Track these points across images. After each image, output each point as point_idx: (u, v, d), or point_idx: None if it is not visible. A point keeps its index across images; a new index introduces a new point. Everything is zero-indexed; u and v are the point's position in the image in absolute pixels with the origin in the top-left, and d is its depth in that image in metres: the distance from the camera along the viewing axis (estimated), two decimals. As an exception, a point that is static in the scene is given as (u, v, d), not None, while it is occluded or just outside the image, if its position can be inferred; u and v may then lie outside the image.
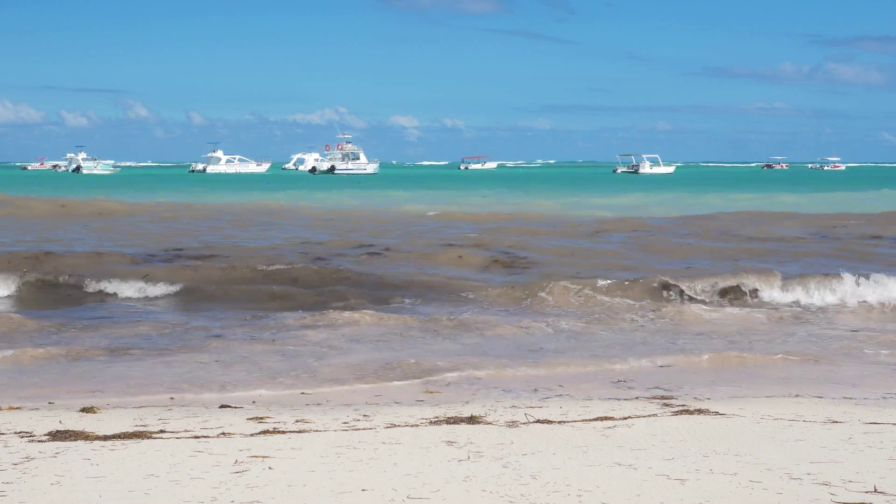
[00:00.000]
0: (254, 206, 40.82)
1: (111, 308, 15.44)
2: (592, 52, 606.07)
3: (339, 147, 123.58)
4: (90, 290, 16.64)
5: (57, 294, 16.58)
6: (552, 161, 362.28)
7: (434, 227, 30.60)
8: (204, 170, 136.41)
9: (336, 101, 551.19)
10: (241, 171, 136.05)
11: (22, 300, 16.29)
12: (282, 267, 18.71)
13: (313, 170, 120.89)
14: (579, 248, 23.95)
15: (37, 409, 8.59)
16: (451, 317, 14.32)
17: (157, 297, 16.34)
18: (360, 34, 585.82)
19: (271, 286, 17.15)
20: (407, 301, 16.06)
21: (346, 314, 14.24)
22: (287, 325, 13.70)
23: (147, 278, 17.07)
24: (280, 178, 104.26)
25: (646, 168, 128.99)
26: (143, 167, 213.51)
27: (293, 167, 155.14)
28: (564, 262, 20.77)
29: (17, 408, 8.61)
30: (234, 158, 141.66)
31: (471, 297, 16.46)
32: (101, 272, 17.51)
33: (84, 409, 8.34)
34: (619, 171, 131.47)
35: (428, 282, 17.69)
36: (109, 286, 16.66)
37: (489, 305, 15.90)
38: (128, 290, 16.54)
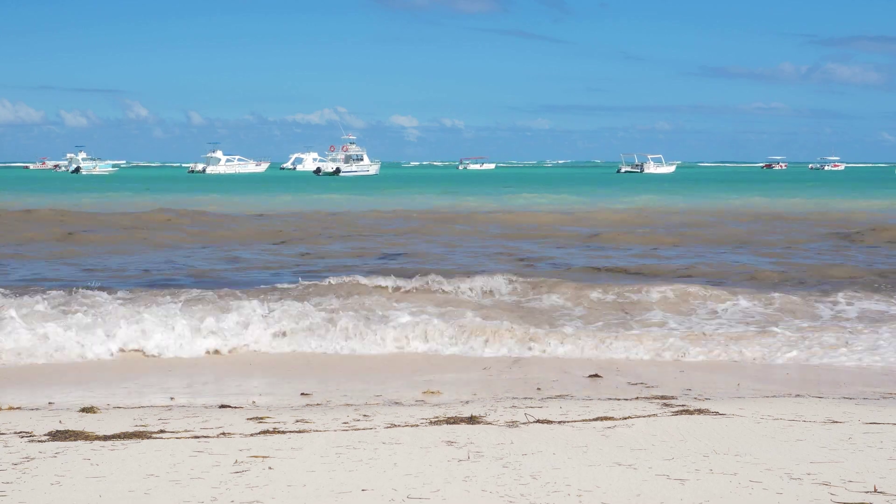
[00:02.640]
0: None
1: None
2: (589, 53, 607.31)
3: (344, 148, 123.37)
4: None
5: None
6: (561, 161, 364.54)
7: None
8: (203, 170, 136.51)
9: (335, 101, 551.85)
10: (240, 170, 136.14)
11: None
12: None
13: (318, 171, 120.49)
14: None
15: (37, 409, 8.59)
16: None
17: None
18: (359, 34, 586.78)
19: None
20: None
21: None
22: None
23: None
24: (290, 178, 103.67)
25: (650, 167, 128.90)
26: (153, 167, 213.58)
27: (291, 167, 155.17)
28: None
29: (17, 408, 8.61)
30: (234, 158, 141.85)
31: None
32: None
33: (84, 409, 8.34)
34: (623, 170, 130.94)
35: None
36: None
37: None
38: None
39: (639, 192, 63.74)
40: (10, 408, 8.57)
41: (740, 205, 47.17)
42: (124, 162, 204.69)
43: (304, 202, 49.47)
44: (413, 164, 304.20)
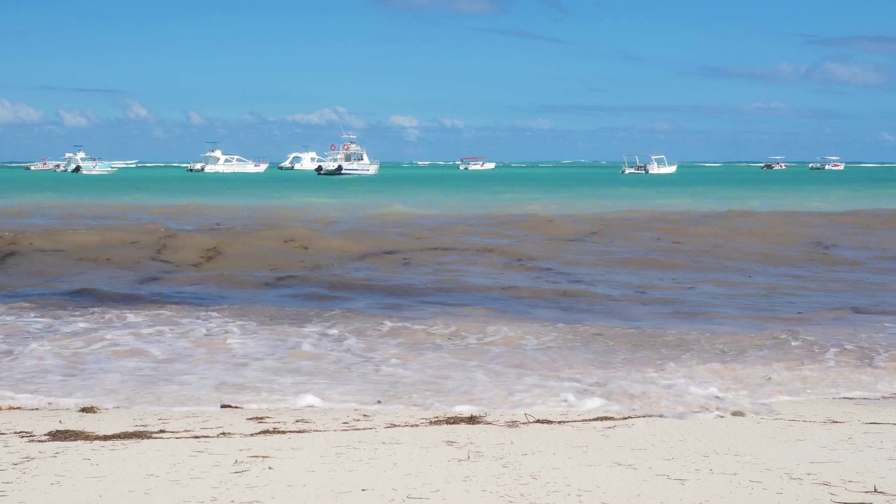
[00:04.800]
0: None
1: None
2: (588, 53, 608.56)
3: (345, 147, 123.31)
4: None
5: None
6: (568, 161, 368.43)
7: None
8: (202, 169, 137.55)
9: (335, 101, 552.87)
10: (239, 170, 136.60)
11: None
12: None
13: (319, 169, 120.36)
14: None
15: (37, 408, 8.58)
16: None
17: None
18: (359, 34, 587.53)
19: None
20: None
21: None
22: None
23: None
24: (296, 178, 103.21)
25: (653, 168, 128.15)
26: (161, 167, 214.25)
27: (289, 166, 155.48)
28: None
29: (17, 408, 8.60)
30: (233, 158, 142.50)
31: None
32: None
33: (84, 409, 8.33)
34: (626, 171, 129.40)
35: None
36: None
37: None
38: None
39: (712, 196, 58.17)
40: (10, 408, 8.56)
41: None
42: (134, 162, 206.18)
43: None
44: (423, 163, 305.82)
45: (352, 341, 11.72)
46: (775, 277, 18.87)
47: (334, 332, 12.34)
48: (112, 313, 13.62)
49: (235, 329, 12.43)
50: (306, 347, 11.34)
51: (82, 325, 12.68)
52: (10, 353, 10.84)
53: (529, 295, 16.17)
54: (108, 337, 11.69)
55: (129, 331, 12.16)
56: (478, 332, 12.42)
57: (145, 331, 12.18)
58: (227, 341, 11.57)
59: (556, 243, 24.86)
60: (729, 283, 17.86)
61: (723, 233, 27.37)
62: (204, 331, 12.33)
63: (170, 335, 11.97)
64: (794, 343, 11.69)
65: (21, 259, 20.48)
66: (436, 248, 23.03)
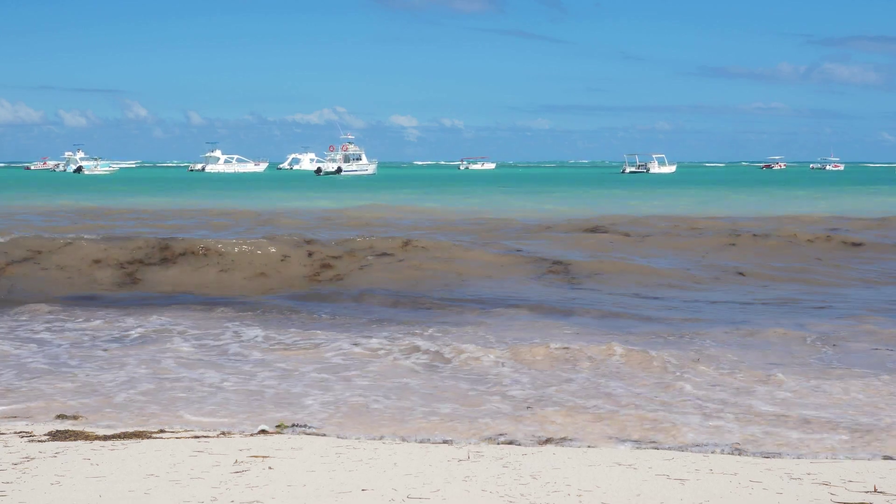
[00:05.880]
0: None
1: None
2: (588, 52, 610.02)
3: (344, 147, 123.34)
4: None
5: None
6: (572, 161, 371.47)
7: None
8: (202, 169, 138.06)
9: (335, 101, 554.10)
10: (239, 170, 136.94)
11: None
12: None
13: (318, 171, 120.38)
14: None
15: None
16: None
17: None
18: (359, 34, 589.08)
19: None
20: None
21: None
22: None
23: None
24: (299, 178, 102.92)
25: (654, 167, 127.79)
26: (169, 167, 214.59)
27: (288, 167, 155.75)
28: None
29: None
30: (233, 158, 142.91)
31: None
32: None
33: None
34: (627, 170, 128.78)
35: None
36: None
37: None
38: None
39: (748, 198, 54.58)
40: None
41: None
42: (135, 162, 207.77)
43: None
44: (425, 163, 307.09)
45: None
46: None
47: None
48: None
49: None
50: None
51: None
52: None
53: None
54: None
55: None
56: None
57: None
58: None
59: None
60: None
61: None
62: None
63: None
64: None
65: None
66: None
